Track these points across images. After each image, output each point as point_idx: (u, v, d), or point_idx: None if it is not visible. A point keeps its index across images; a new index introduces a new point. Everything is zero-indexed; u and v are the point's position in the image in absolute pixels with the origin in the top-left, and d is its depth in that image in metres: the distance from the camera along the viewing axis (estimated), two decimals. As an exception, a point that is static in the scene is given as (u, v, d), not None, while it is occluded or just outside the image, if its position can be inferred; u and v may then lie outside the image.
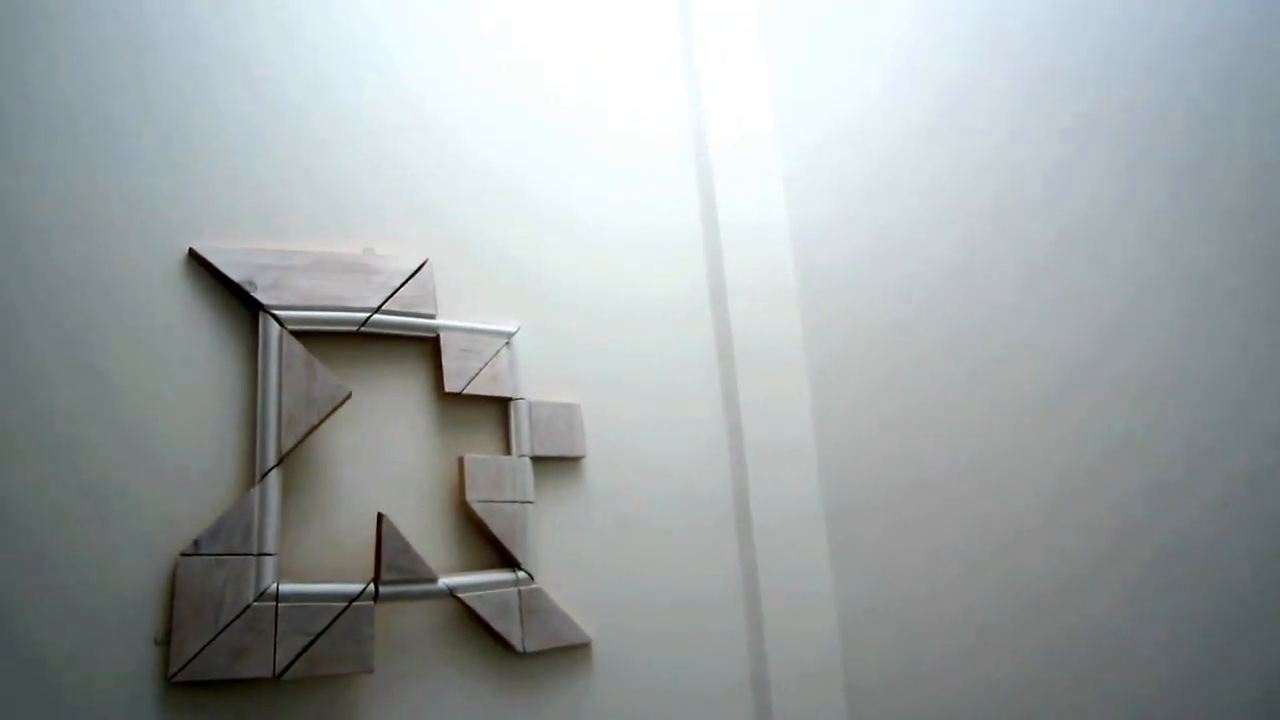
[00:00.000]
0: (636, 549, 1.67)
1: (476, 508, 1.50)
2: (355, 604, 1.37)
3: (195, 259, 1.42)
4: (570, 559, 1.60)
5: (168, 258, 1.40)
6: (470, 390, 1.55)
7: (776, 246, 1.96)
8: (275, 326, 1.42)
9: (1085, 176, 1.44)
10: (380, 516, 1.40)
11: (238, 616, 1.31)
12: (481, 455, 1.55)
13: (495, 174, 1.72)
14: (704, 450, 1.79)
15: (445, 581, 1.44)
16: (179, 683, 1.27)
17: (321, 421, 1.41)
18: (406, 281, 1.55)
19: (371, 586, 1.38)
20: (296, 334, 1.44)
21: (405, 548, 1.41)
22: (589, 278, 1.76)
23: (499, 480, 1.54)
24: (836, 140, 1.91)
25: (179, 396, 1.37)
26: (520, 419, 1.60)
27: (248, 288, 1.42)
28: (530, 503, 1.56)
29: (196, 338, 1.40)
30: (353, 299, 1.50)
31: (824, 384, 1.88)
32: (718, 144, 1.97)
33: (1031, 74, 1.53)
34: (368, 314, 1.50)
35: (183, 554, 1.30)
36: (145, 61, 1.45)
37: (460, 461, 1.52)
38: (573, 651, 1.57)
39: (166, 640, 1.28)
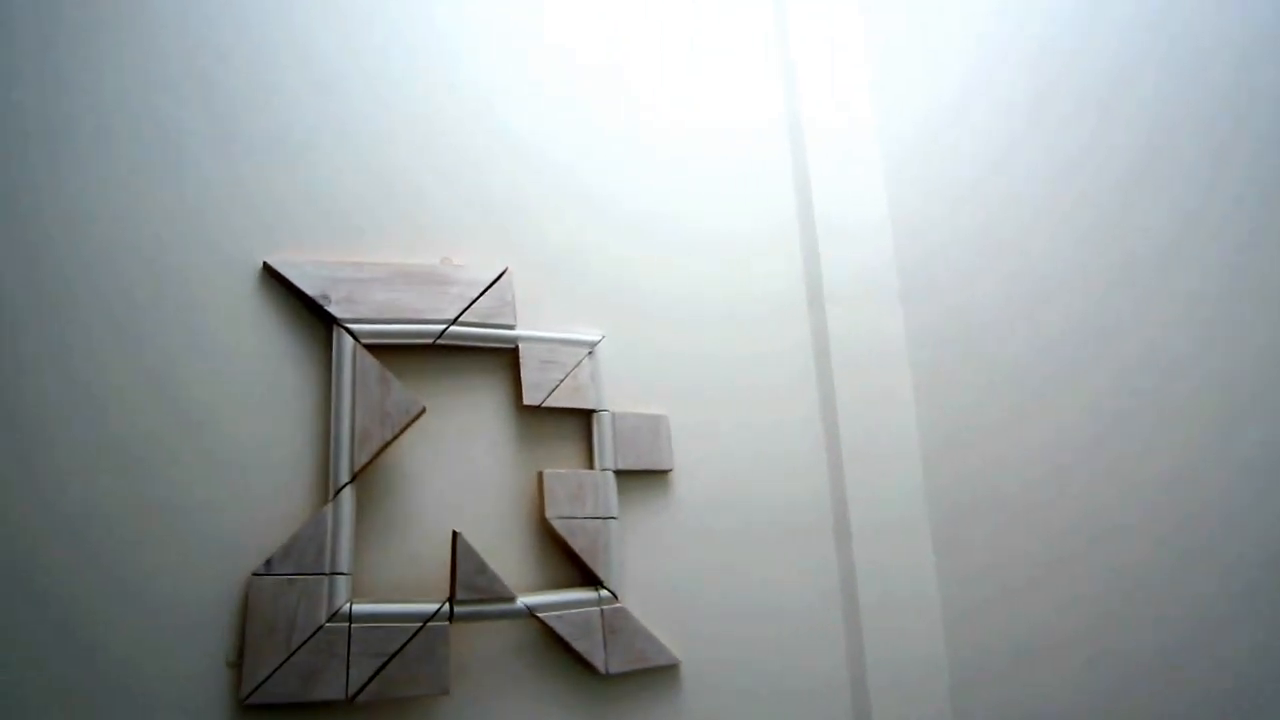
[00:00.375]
0: (727, 565, 1.58)
1: (556, 524, 1.44)
2: (430, 624, 1.32)
3: (270, 273, 1.40)
4: (657, 577, 1.53)
5: (242, 272, 1.39)
6: (550, 403, 1.50)
7: (876, 242, 1.84)
8: (349, 340, 1.40)
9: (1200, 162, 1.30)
10: (455, 535, 1.35)
11: (310, 637, 1.28)
12: (561, 470, 1.48)
13: (575, 178, 1.66)
14: (800, 461, 1.69)
15: (524, 601, 1.39)
16: (251, 705, 1.25)
17: (395, 437, 1.37)
18: (484, 292, 1.50)
19: (447, 606, 1.34)
20: (372, 347, 1.41)
21: (481, 566, 1.36)
22: (676, 282, 1.68)
23: (580, 495, 1.48)
24: (938, 126, 1.78)
25: (254, 413, 1.35)
26: (603, 432, 1.53)
27: (321, 301, 1.40)
28: (614, 518, 1.49)
29: (272, 353, 1.38)
30: (429, 311, 1.46)
31: (927, 386, 1.76)
32: (814, 134, 1.86)
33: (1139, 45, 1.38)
34: (444, 326, 1.46)
35: (255, 573, 1.28)
36: (215, 76, 1.45)
37: (539, 476, 1.46)
38: (660, 673, 1.49)
39: (239, 662, 1.26)
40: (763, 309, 1.75)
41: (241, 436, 1.34)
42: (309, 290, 1.40)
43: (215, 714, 1.25)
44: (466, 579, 1.35)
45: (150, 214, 1.36)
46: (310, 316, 1.41)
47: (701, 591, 1.55)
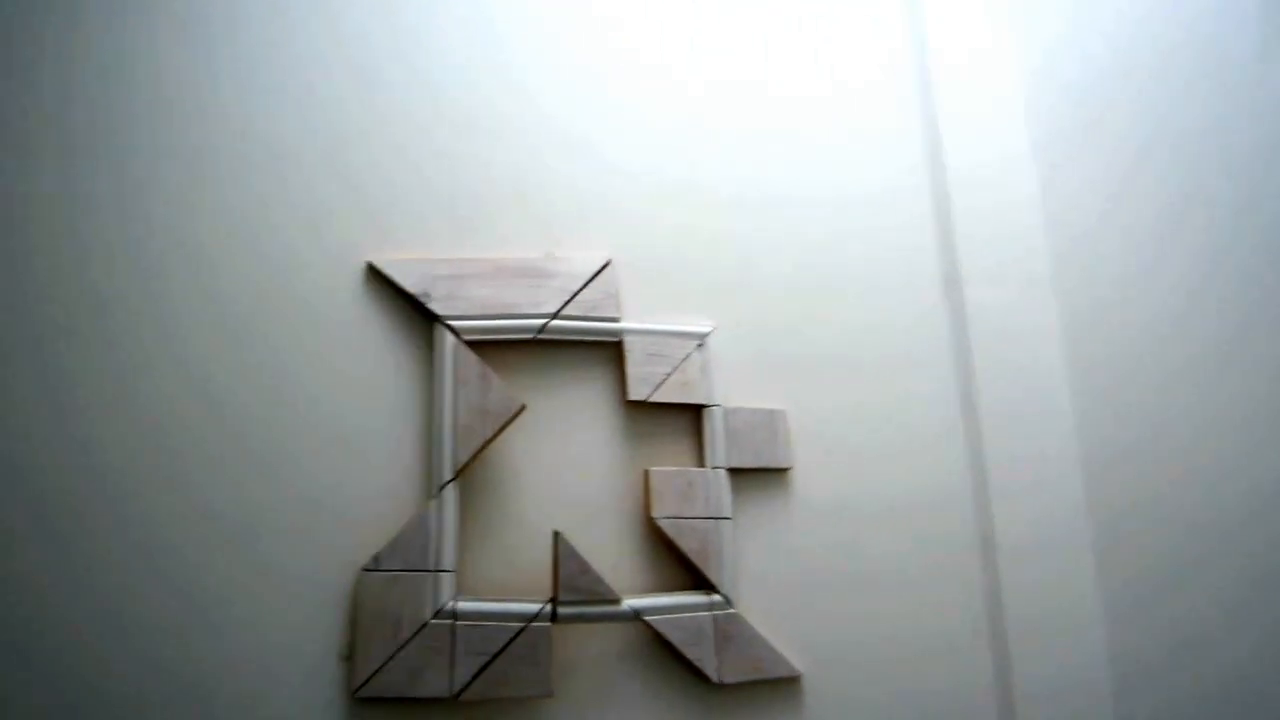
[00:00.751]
0: (854, 572, 1.47)
1: (664, 524, 1.39)
2: (532, 625, 1.29)
3: (374, 272, 1.41)
4: (775, 582, 1.44)
5: (348, 273, 1.41)
6: (657, 398, 1.44)
7: (1024, 214, 1.68)
8: (450, 337, 1.39)
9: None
10: (556, 535, 1.31)
11: (416, 634, 1.27)
12: (669, 467, 1.43)
13: (681, 160, 1.60)
14: (936, 459, 1.56)
15: (630, 603, 1.34)
16: (363, 698, 1.25)
17: (496, 435, 1.35)
18: (586, 284, 1.47)
19: (549, 607, 1.30)
20: (473, 344, 1.39)
21: (584, 567, 1.32)
22: (793, 266, 1.59)
23: (689, 494, 1.41)
24: (1091, 97, 1.61)
25: (362, 411, 1.36)
26: (714, 428, 1.46)
27: (423, 299, 1.40)
28: (727, 519, 1.42)
29: (378, 351, 1.39)
30: (530, 305, 1.44)
31: (1087, 380, 1.60)
32: (945, 94, 1.71)
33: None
34: (545, 320, 1.43)
35: (364, 569, 1.29)
36: (315, 80, 1.48)
37: (646, 474, 1.41)
38: (778, 686, 1.40)
39: (351, 655, 1.26)
40: (892, 294, 1.63)
41: (350, 435, 1.35)
42: (410, 288, 1.40)
43: (330, 706, 1.25)
44: (569, 580, 1.31)
45: (256, 218, 1.40)
46: (413, 314, 1.41)
47: (825, 600, 1.45)
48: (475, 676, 1.27)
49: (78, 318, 1.31)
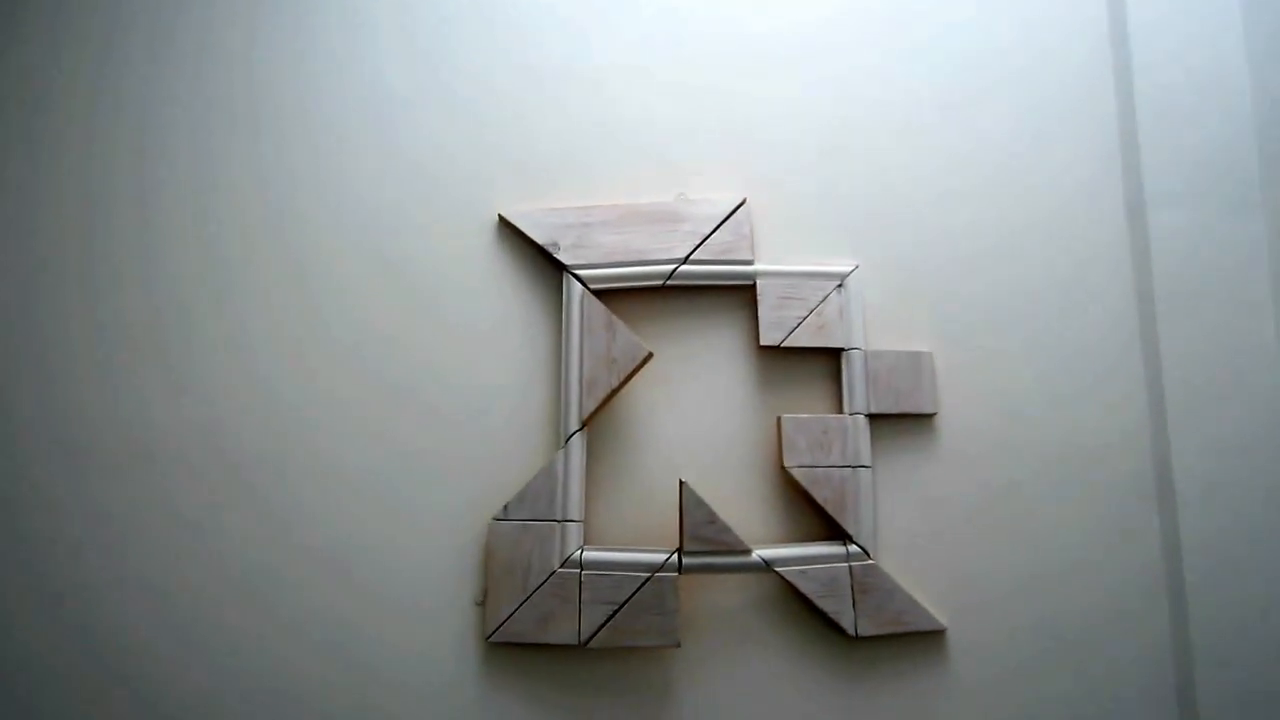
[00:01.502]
0: (1007, 524, 1.36)
1: (796, 473, 1.33)
2: (658, 575, 1.28)
3: (505, 224, 1.41)
4: (919, 533, 1.35)
5: (481, 225, 1.43)
6: (791, 342, 1.37)
7: (1228, 126, 1.45)
8: (578, 287, 1.37)
9: None
10: (681, 484, 1.29)
11: (544, 582, 1.29)
12: (803, 415, 1.36)
13: (820, 88, 1.49)
14: (1105, 402, 1.40)
15: (760, 554, 1.29)
16: (495, 643, 1.28)
17: (622, 384, 1.33)
18: (718, 228, 1.41)
19: (675, 557, 1.28)
20: (601, 292, 1.37)
21: (710, 516, 1.28)
22: (944, 197, 1.45)
23: (825, 442, 1.34)
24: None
25: (495, 362, 1.39)
26: (853, 372, 1.38)
27: (550, 249, 1.39)
28: (866, 467, 1.35)
29: (509, 303, 1.40)
30: (659, 251, 1.40)
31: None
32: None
33: None
34: (674, 266, 1.39)
35: (494, 518, 1.31)
36: (435, 40, 1.49)
37: (778, 422, 1.35)
38: (921, 640, 1.32)
39: (484, 601, 1.30)
40: (1059, 221, 1.45)
41: (483, 387, 1.38)
42: (539, 238, 1.40)
43: (466, 650, 1.30)
44: (695, 529, 1.28)
45: (387, 176, 1.43)
46: (544, 264, 1.41)
47: (974, 552, 1.35)
48: (602, 625, 1.27)
49: (204, 275, 1.40)
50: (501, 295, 1.40)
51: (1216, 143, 1.44)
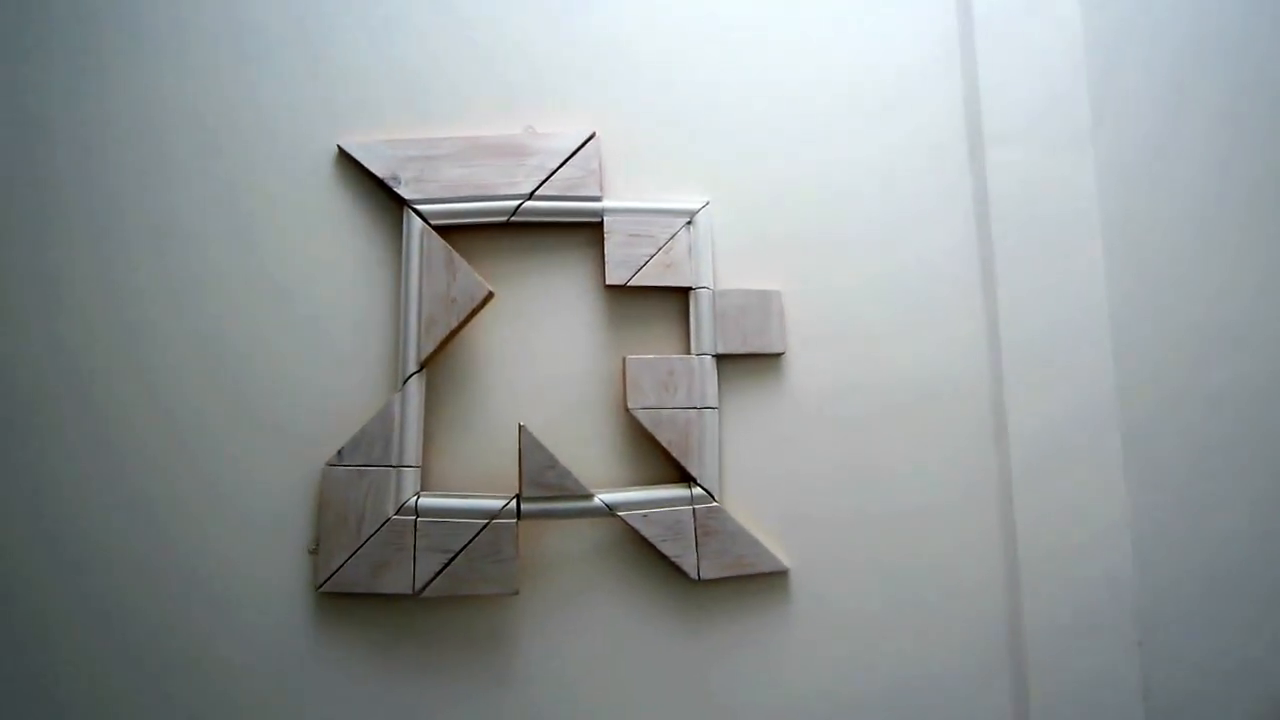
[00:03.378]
0: (851, 463, 1.32)
1: (640, 415, 1.27)
2: (495, 521, 1.22)
3: (344, 156, 1.31)
4: (765, 475, 1.31)
5: (318, 157, 1.33)
6: (638, 281, 1.31)
7: (1061, 63, 1.41)
8: (418, 222, 1.29)
9: None
10: (520, 428, 1.22)
11: (378, 530, 1.22)
12: (648, 355, 1.30)
13: (671, 21, 1.40)
14: (948, 342, 1.36)
15: (602, 498, 1.24)
16: (327, 593, 1.21)
17: (462, 324, 1.25)
18: (565, 162, 1.33)
19: (513, 503, 1.22)
20: (444, 229, 1.29)
21: (550, 461, 1.22)
22: (798, 132, 1.39)
23: (670, 383, 1.29)
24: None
25: (332, 301, 1.30)
26: (701, 311, 1.32)
27: (391, 183, 1.30)
28: (712, 409, 1.29)
29: (347, 239, 1.31)
30: (504, 186, 1.31)
31: (1122, 252, 1.37)
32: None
33: None
34: (518, 202, 1.30)
35: (328, 464, 1.23)
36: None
37: (623, 364, 1.29)
38: (764, 581, 1.29)
39: (317, 550, 1.22)
40: (901, 158, 1.39)
41: (320, 327, 1.29)
42: (378, 171, 1.30)
43: (297, 599, 1.23)
44: (534, 474, 1.22)
45: (224, 104, 1.33)
46: (385, 199, 1.32)
47: (820, 494, 1.31)
48: (437, 574, 1.21)
49: (11, 202, 1.27)
50: (340, 231, 1.31)
51: (1051, 82, 1.40)
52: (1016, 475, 1.29)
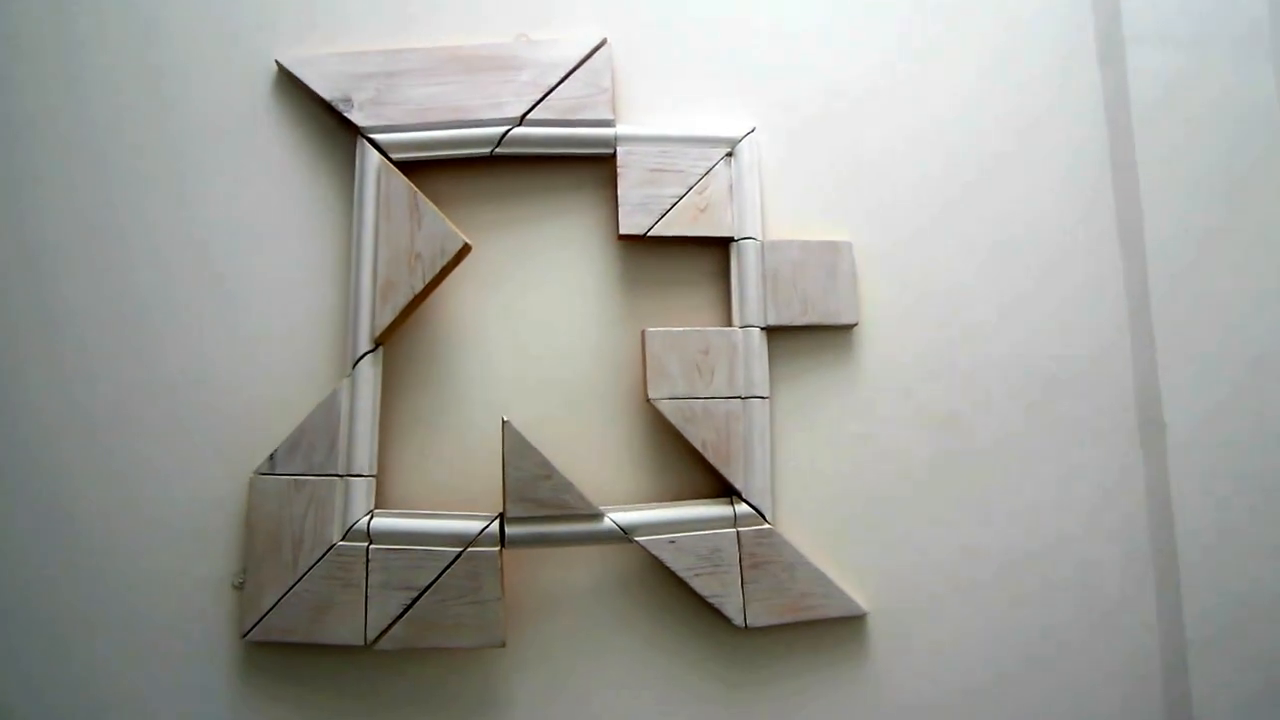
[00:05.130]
0: (948, 469, 0.98)
1: (665, 408, 0.94)
2: (472, 550, 0.90)
3: (285, 75, 1.00)
4: (832, 486, 0.97)
5: (254, 76, 1.01)
6: (661, 231, 0.98)
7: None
8: (374, 156, 0.97)
9: None
10: (505, 424, 0.89)
11: (319, 560, 0.90)
12: (675, 328, 0.96)
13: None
14: (1072, 307, 1.02)
15: (615, 517, 0.91)
16: (256, 642, 0.90)
17: (429, 288, 0.94)
18: (567, 76, 1.00)
19: (496, 525, 0.90)
20: (408, 165, 0.97)
21: (545, 469, 0.90)
22: (865, 36, 1.05)
23: (704, 365, 0.96)
24: None
25: (269, 262, 0.98)
26: (746, 270, 0.98)
27: (341, 107, 0.98)
28: (762, 398, 0.96)
29: (286, 182, 1.01)
30: (487, 109, 0.99)
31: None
32: None
33: None
34: (505, 129, 0.98)
35: (257, 472, 0.92)
36: None
37: (642, 338, 0.96)
38: (833, 629, 0.95)
39: (243, 584, 0.91)
40: (1016, 59, 1.06)
41: (250, 293, 0.98)
42: (325, 93, 0.99)
43: (217, 648, 0.93)
44: (523, 486, 0.90)
45: (134, 11, 1.00)
46: (335, 129, 1.00)
47: (903, 510, 0.97)
48: (396, 619, 0.89)
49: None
50: (276, 171, 1.00)
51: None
52: (1175, 486, 0.94)
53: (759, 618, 0.93)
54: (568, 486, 0.90)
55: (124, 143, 0.99)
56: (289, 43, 1.02)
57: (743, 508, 0.94)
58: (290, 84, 1.01)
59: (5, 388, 0.94)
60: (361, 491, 0.92)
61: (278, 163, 1.00)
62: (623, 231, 0.97)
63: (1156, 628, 0.96)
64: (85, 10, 1.01)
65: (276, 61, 1.00)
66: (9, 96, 0.98)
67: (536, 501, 0.90)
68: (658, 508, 0.94)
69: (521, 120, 0.99)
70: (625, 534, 0.91)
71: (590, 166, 1.00)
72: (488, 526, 0.90)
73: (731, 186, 1.00)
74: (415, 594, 0.90)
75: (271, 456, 0.92)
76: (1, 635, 0.91)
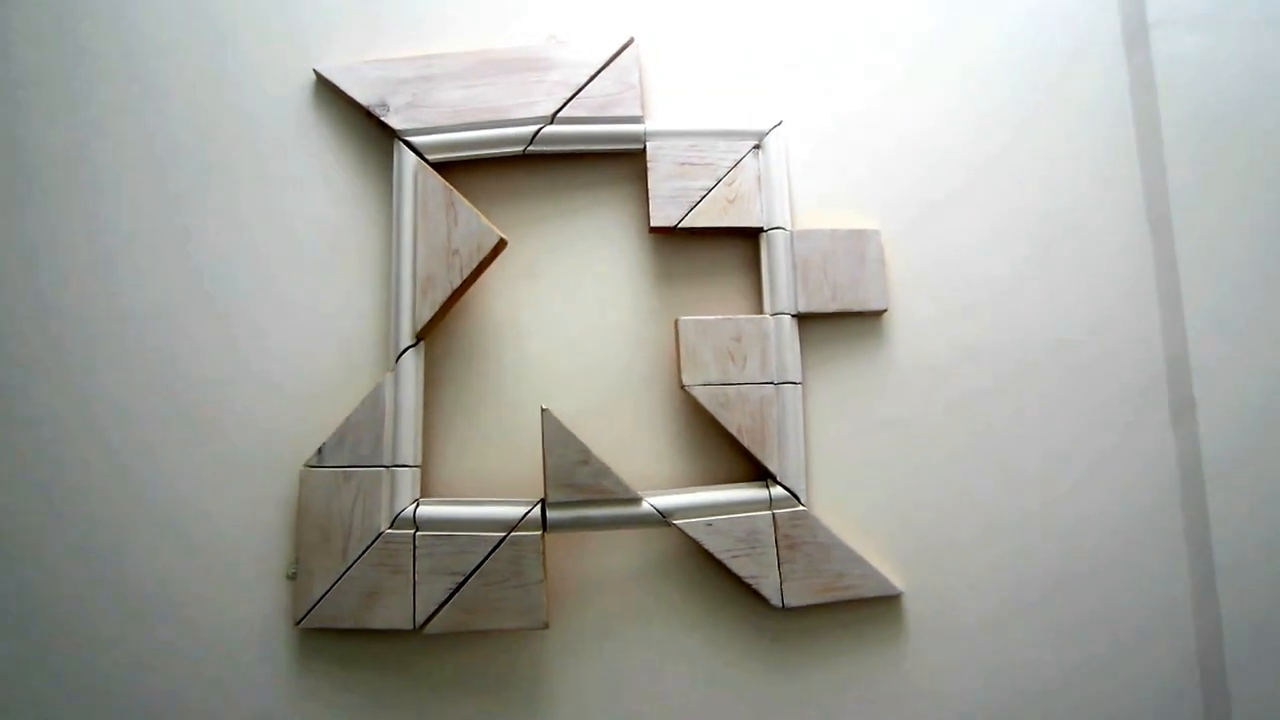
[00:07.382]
0: (980, 454, 0.98)
1: (699, 394, 0.95)
2: (515, 534, 0.91)
3: (324, 84, 1.02)
4: (866, 468, 0.98)
5: (293, 86, 1.03)
6: (692, 222, 0.98)
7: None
8: (411, 158, 0.98)
9: None
10: (544, 413, 0.90)
11: (368, 548, 0.92)
12: (708, 316, 0.97)
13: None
14: (1102, 290, 1.02)
15: (654, 501, 0.92)
16: (309, 629, 0.92)
17: (467, 283, 0.95)
18: (596, 75, 1.01)
19: (538, 511, 0.91)
20: (443, 165, 0.99)
21: (584, 455, 0.91)
22: (893, 29, 1.06)
23: (737, 352, 0.96)
24: None
25: (307, 263, 1.00)
26: (776, 258, 0.99)
27: (378, 111, 1.00)
28: (795, 384, 0.96)
29: (327, 185, 1.02)
30: (519, 109, 1.00)
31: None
32: None
33: None
34: (537, 127, 0.99)
35: (306, 465, 0.94)
36: None
37: (675, 327, 0.97)
38: (869, 609, 0.96)
39: (296, 574, 0.93)
40: (1040, 44, 1.06)
41: (292, 294, 0.99)
42: (362, 98, 1.00)
43: (273, 636, 0.94)
44: (563, 473, 0.91)
45: (178, 25, 1.03)
46: (373, 133, 1.02)
47: (936, 491, 0.98)
48: (443, 604, 0.90)
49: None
50: (317, 176, 1.02)
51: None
52: (1209, 468, 0.93)
53: (796, 598, 0.93)
54: (606, 471, 0.91)
55: (179, 153, 1.01)
56: (327, 53, 1.03)
57: (778, 490, 0.95)
58: (329, 92, 1.02)
59: (67, 392, 0.96)
60: (407, 481, 0.93)
61: (320, 167, 1.01)
62: (654, 224, 0.98)
63: (1191, 604, 0.96)
64: (142, 28, 1.03)
65: (315, 71, 1.02)
66: (74, 112, 1.01)
67: (576, 486, 0.91)
68: (694, 491, 0.95)
69: (553, 119, 1.00)
70: (663, 517, 0.92)
71: (621, 161, 1.01)
72: (530, 511, 0.91)
73: (760, 178, 1.00)
74: (461, 579, 0.91)
75: (320, 450, 0.94)
76: (78, 627, 0.93)
